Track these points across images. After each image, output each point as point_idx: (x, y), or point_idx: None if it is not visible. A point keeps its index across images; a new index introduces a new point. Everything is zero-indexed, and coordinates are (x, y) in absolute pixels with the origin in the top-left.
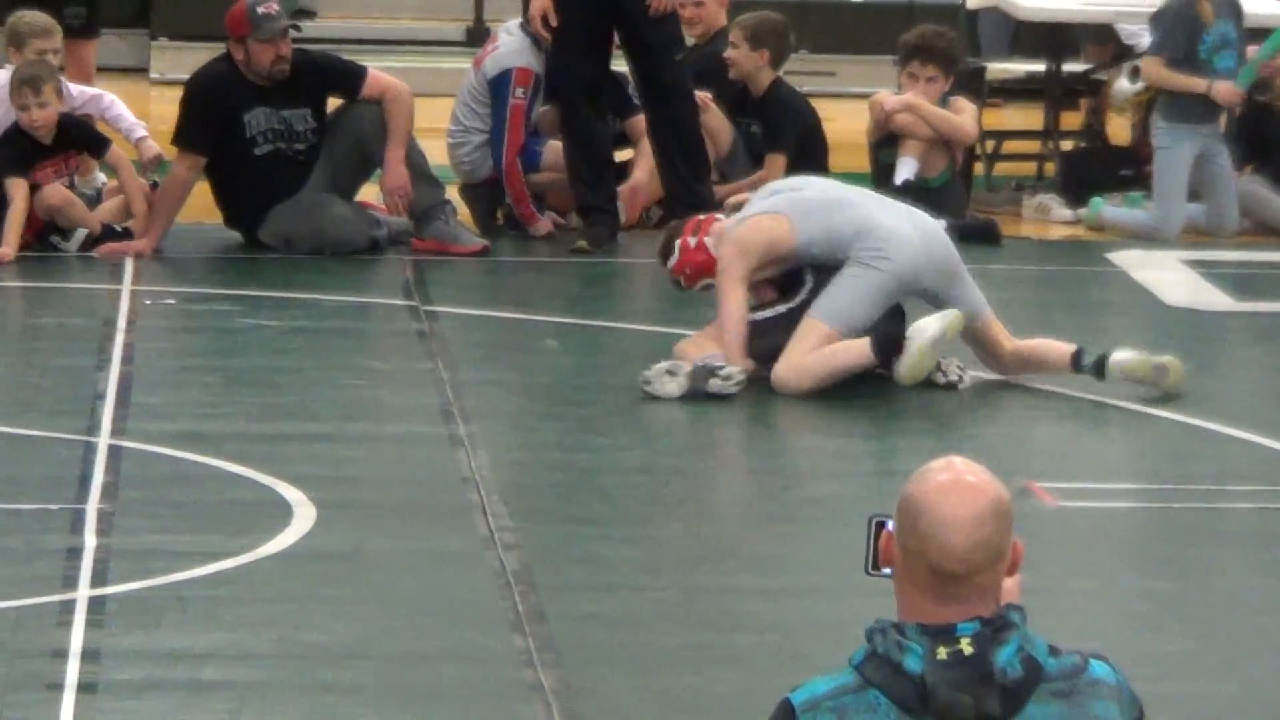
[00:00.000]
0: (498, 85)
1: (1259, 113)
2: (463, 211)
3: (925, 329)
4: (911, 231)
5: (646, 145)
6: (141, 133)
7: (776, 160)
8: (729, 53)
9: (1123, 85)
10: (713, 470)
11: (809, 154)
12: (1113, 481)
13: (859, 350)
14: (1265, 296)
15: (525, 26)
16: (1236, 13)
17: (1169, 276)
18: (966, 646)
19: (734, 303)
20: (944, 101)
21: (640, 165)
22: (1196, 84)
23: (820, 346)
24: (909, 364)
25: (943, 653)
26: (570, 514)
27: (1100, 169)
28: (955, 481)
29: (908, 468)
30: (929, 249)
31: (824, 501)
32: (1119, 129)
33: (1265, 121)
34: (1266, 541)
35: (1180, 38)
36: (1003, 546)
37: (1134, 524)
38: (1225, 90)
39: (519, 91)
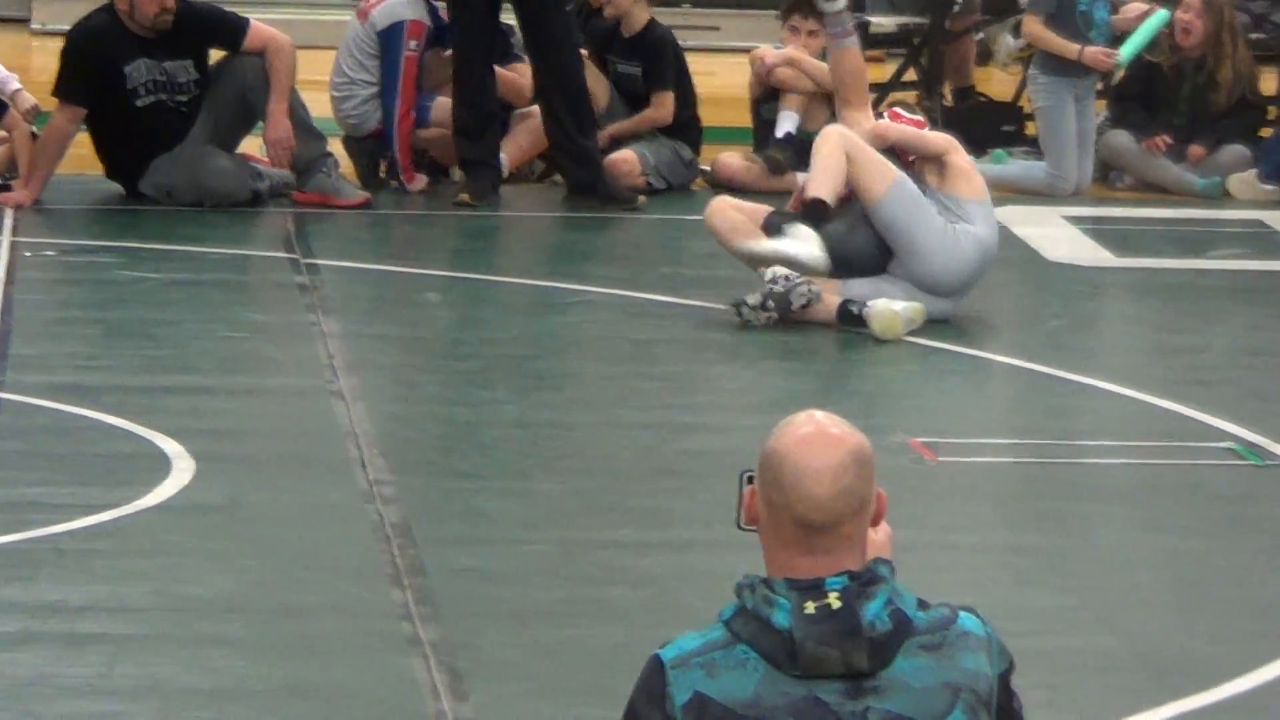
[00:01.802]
0: (388, 37)
1: (1147, 71)
2: (345, 164)
3: (894, 303)
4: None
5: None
6: (15, 85)
7: (664, 97)
8: None
9: (1006, 41)
10: (592, 424)
11: (680, 95)
12: (991, 437)
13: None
14: (1145, 252)
15: None
16: None
17: (1050, 232)
18: (834, 600)
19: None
20: (825, 56)
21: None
22: (1069, 49)
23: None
24: (883, 321)
25: (810, 607)
26: (449, 468)
27: (982, 124)
28: (816, 433)
29: None
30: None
31: (703, 456)
32: (1004, 85)
33: (1153, 80)
34: (1142, 496)
35: None
36: (866, 495)
37: (1012, 479)
38: (1095, 56)
39: (412, 44)
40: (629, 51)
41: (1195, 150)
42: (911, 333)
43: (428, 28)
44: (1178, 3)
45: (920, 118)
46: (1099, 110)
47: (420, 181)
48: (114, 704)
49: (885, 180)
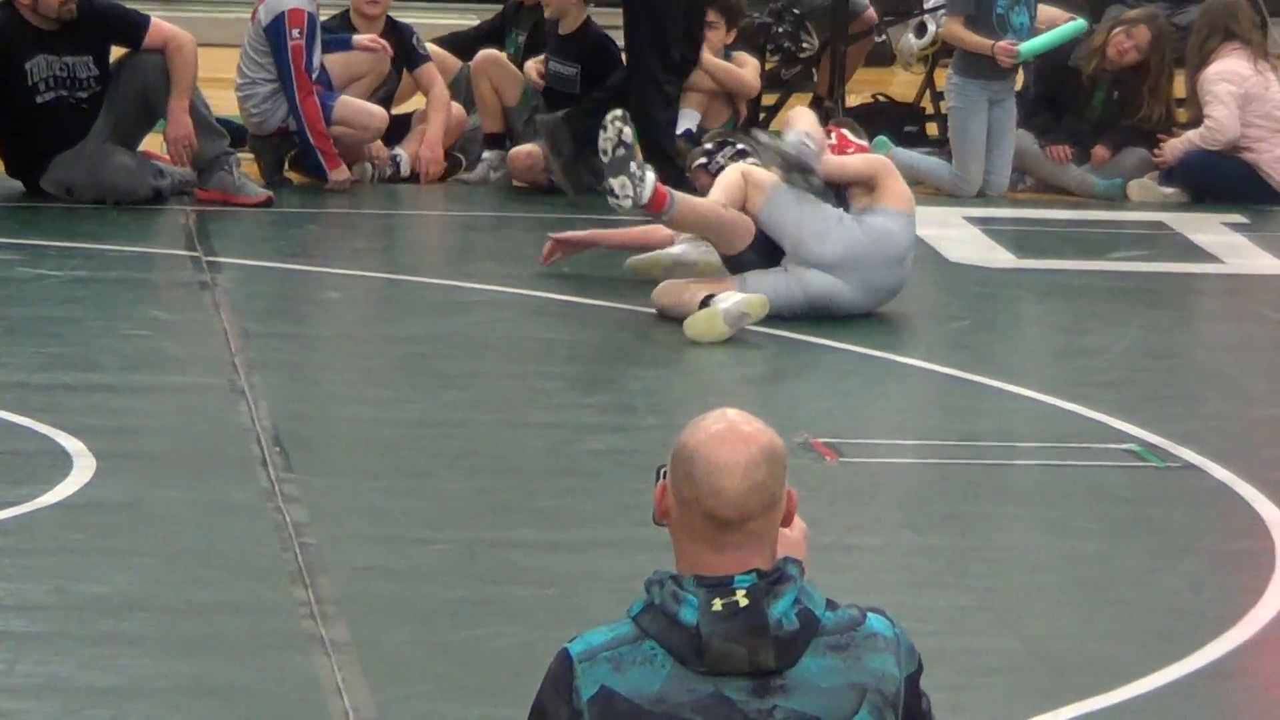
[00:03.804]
0: (273, 31)
1: (1059, 71)
2: (247, 162)
3: (728, 298)
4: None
5: (437, 95)
6: None
7: None
8: None
9: (909, 41)
10: (495, 423)
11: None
12: (894, 437)
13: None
14: (1046, 254)
15: None
16: None
17: (952, 233)
18: (742, 598)
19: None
20: (727, 55)
21: (433, 119)
22: (982, 44)
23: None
24: (698, 325)
25: (718, 604)
26: (352, 466)
27: (885, 124)
28: (728, 430)
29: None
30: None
31: (606, 455)
32: (907, 86)
33: (1064, 80)
34: (1045, 498)
35: None
36: (777, 493)
37: (914, 480)
38: (1002, 50)
39: (294, 33)
40: (565, 51)
41: (1099, 152)
42: (814, 332)
43: (309, 15)
44: (1104, 18)
45: (864, 141)
46: None
47: (342, 172)
48: (14, 702)
49: (762, 194)
